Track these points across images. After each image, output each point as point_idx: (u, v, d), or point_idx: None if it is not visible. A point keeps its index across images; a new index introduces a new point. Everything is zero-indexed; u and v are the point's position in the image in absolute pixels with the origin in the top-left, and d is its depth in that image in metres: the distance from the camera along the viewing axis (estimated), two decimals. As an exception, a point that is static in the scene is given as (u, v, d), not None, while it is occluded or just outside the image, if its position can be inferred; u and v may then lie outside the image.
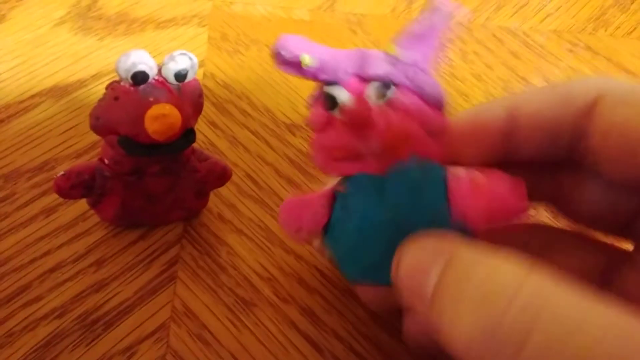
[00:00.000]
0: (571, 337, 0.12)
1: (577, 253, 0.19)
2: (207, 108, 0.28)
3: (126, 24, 0.31)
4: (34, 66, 0.29)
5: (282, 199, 0.25)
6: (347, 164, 0.17)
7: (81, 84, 0.28)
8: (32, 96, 0.28)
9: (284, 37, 0.17)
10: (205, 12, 0.33)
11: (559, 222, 0.21)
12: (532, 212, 0.24)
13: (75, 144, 0.26)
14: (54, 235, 0.23)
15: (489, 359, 0.13)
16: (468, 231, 0.16)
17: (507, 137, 0.18)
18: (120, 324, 0.21)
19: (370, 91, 0.17)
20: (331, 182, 0.19)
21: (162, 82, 0.20)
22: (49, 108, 0.27)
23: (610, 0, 0.36)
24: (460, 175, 0.17)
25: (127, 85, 0.19)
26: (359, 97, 0.17)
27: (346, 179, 0.18)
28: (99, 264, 0.23)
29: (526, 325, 0.12)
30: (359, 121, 0.17)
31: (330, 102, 0.17)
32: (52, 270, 0.22)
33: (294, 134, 0.27)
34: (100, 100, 0.20)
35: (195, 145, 0.22)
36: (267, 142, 0.27)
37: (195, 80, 0.21)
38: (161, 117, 0.19)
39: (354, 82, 0.17)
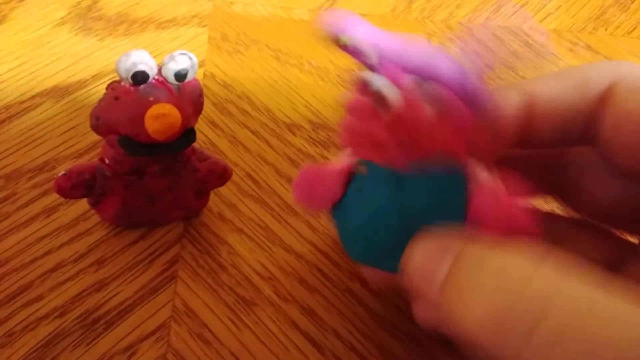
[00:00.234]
0: (581, 323, 0.12)
1: (585, 244, 0.19)
2: (208, 108, 0.28)
3: (127, 25, 0.31)
4: (35, 67, 0.29)
5: (282, 199, 0.25)
6: (373, 151, 0.17)
7: (82, 84, 0.28)
8: (33, 96, 0.28)
9: (334, 12, 0.16)
10: (206, 12, 0.33)
11: (568, 213, 0.21)
12: (542, 202, 0.24)
13: (76, 144, 0.26)
14: (55, 235, 0.23)
15: (499, 343, 0.13)
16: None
17: (524, 123, 0.18)
18: (120, 324, 0.21)
19: (422, 94, 0.16)
20: (348, 156, 0.19)
21: (162, 82, 0.20)
22: (49, 108, 0.27)
23: (610, 0, 0.36)
24: (483, 192, 0.16)
25: (127, 85, 0.19)
26: (414, 109, 0.16)
27: (368, 162, 0.18)
28: (99, 263, 0.23)
29: (537, 311, 0.12)
30: (410, 135, 0.16)
31: (381, 100, 0.16)
32: (52, 269, 0.22)
33: (294, 134, 0.27)
34: (101, 100, 0.20)
35: (195, 145, 0.22)
36: (267, 142, 0.27)
37: (195, 80, 0.21)
38: (161, 117, 0.19)
39: (393, 70, 0.16)
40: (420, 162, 0.17)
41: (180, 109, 0.19)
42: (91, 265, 0.23)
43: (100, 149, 0.23)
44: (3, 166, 0.25)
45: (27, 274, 0.22)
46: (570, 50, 0.33)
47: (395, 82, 0.17)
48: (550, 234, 0.20)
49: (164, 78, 0.20)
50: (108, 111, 0.20)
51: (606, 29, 0.34)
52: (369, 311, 0.22)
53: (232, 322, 0.22)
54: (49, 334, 0.21)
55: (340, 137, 0.18)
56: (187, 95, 0.20)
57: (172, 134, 0.20)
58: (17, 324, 0.21)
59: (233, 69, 0.30)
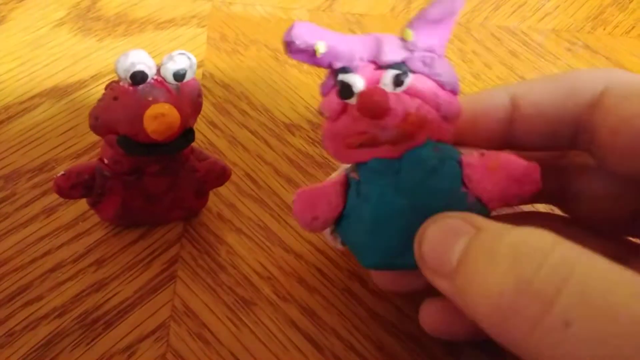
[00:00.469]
0: (601, 296, 0.12)
1: (587, 244, 0.19)
2: (207, 108, 0.28)
3: (125, 25, 0.31)
4: (34, 67, 0.29)
5: (281, 199, 0.25)
6: (362, 151, 0.17)
7: (81, 84, 0.28)
8: (32, 97, 0.28)
9: (297, 25, 0.17)
10: (205, 12, 0.33)
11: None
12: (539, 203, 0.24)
13: (75, 144, 0.26)
14: (54, 235, 0.23)
15: (517, 316, 0.13)
16: (484, 213, 0.17)
17: (509, 125, 0.18)
18: (120, 323, 0.21)
19: (387, 78, 0.17)
20: (341, 169, 0.19)
21: (161, 82, 0.20)
22: (49, 109, 0.27)
23: (609, -1, 0.36)
24: (474, 157, 0.17)
25: (126, 85, 0.20)
26: (376, 86, 0.17)
27: (359, 165, 0.18)
28: (99, 263, 0.23)
29: (557, 284, 0.12)
30: (376, 109, 0.16)
31: (346, 90, 0.17)
32: (52, 270, 0.22)
33: (293, 134, 0.27)
34: (100, 100, 0.20)
35: (194, 145, 0.22)
36: (266, 142, 0.27)
37: (194, 80, 0.21)
38: (160, 117, 0.19)
39: (369, 69, 0.17)
40: (413, 150, 0.17)
41: (179, 109, 0.20)
42: (91, 265, 0.23)
43: (99, 149, 0.23)
44: (3, 166, 0.25)
45: (27, 274, 0.22)
46: (569, 49, 0.33)
47: (372, 80, 0.17)
48: (553, 232, 0.20)
49: (162, 78, 0.20)
50: (107, 111, 0.20)
51: (604, 29, 0.34)
52: (369, 311, 0.22)
53: (232, 321, 0.22)
54: (49, 334, 0.21)
55: (325, 147, 0.18)
56: (185, 95, 0.20)
57: (170, 134, 0.20)
58: (17, 324, 0.21)
59: (232, 69, 0.30)
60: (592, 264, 0.13)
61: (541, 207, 0.25)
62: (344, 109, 0.17)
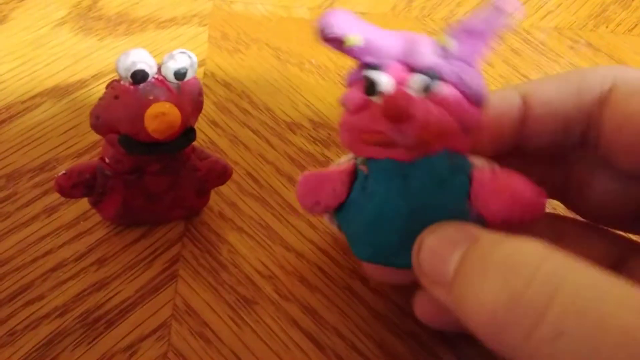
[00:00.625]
0: (590, 308, 0.12)
1: (588, 244, 0.19)
2: (208, 107, 0.28)
3: (127, 24, 0.31)
4: (35, 66, 0.29)
5: (282, 197, 0.25)
6: (377, 149, 0.17)
7: (82, 84, 0.28)
8: (34, 96, 0.28)
9: (332, 12, 0.16)
10: (206, 11, 0.33)
11: (570, 213, 0.21)
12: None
13: (76, 143, 0.26)
14: (56, 234, 0.23)
15: (510, 327, 0.13)
16: (484, 225, 0.17)
17: (521, 124, 0.18)
18: (121, 323, 0.21)
19: (415, 82, 0.17)
20: (350, 155, 0.19)
21: (162, 81, 0.20)
22: (50, 108, 0.27)
23: (611, -3, 0.36)
24: (485, 174, 0.17)
25: (127, 84, 0.19)
26: (402, 89, 0.16)
27: (370, 160, 0.18)
28: (100, 262, 0.23)
29: (548, 295, 0.12)
30: (398, 114, 0.16)
31: (371, 87, 0.17)
32: (53, 269, 0.22)
33: (294, 133, 0.27)
34: (101, 99, 0.20)
35: (195, 144, 0.22)
36: (267, 141, 0.27)
37: (194, 78, 0.21)
38: (161, 116, 0.19)
39: (398, 69, 0.17)
40: (426, 157, 0.17)
41: (180, 108, 0.19)
42: (92, 264, 0.23)
43: (100, 148, 0.23)
44: (4, 166, 0.25)
45: (28, 273, 0.22)
46: (571, 47, 0.33)
47: (400, 81, 0.17)
48: (551, 233, 0.20)
49: (163, 77, 0.20)
50: (108, 110, 0.20)
51: (607, 27, 0.34)
52: (370, 309, 0.22)
53: (233, 320, 0.22)
54: (50, 333, 0.21)
55: (340, 136, 0.18)
56: (186, 94, 0.20)
57: (171, 133, 0.20)
58: (19, 323, 0.21)
59: (233, 68, 0.30)
60: (583, 274, 0.13)
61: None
62: (366, 105, 0.17)
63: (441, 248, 0.15)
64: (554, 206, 0.24)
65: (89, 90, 0.28)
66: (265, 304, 0.22)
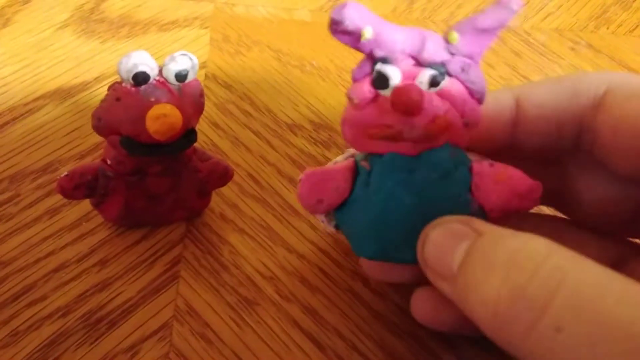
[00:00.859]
0: (591, 302, 0.12)
1: (584, 246, 0.19)
2: (209, 109, 0.28)
3: (129, 27, 0.31)
4: (38, 69, 0.29)
5: (284, 199, 0.25)
6: (381, 143, 0.17)
7: (84, 86, 0.29)
8: (36, 99, 0.28)
9: (349, 5, 0.16)
10: (207, 14, 0.33)
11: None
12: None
13: (79, 145, 0.26)
14: (58, 235, 0.23)
15: (512, 321, 0.13)
16: (485, 218, 0.17)
17: (513, 126, 0.18)
18: (123, 323, 0.21)
19: (424, 77, 0.17)
20: (347, 154, 0.19)
21: (163, 83, 0.20)
22: (52, 110, 0.27)
23: (612, -2, 0.36)
24: (484, 166, 0.17)
25: (128, 86, 0.20)
26: (413, 82, 0.17)
27: (373, 156, 0.18)
28: (102, 263, 0.23)
29: (550, 291, 0.13)
30: (411, 106, 0.16)
31: (381, 81, 0.17)
32: (56, 270, 0.22)
33: (295, 134, 0.28)
34: (103, 101, 0.20)
35: (197, 145, 0.22)
36: (268, 142, 0.27)
37: (195, 80, 0.21)
38: (162, 117, 0.19)
39: (408, 64, 0.17)
40: (430, 152, 0.17)
41: (181, 110, 0.20)
42: (94, 265, 0.23)
43: (102, 150, 0.23)
44: (7, 167, 0.25)
45: (31, 274, 0.22)
46: (572, 49, 0.33)
47: (410, 76, 0.17)
48: (550, 235, 0.20)
49: (164, 79, 0.20)
50: (110, 112, 0.20)
51: (608, 28, 0.34)
52: (371, 310, 0.22)
53: (234, 321, 0.22)
54: (53, 334, 0.21)
55: (344, 132, 0.18)
56: (187, 95, 0.20)
57: (173, 135, 0.20)
58: (21, 324, 0.21)
59: (234, 70, 0.30)
60: (584, 270, 0.13)
61: (545, 209, 0.25)
62: (375, 99, 0.17)
63: (446, 242, 0.16)
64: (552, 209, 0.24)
65: (91, 92, 0.28)
66: (267, 305, 0.22)
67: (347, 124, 0.18)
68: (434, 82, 0.17)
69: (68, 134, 0.27)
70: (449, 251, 0.15)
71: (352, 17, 0.16)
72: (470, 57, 0.17)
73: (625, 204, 0.18)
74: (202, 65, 0.30)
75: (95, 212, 0.23)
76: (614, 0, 0.36)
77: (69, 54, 0.30)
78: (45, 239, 0.23)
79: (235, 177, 0.25)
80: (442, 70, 0.17)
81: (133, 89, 0.20)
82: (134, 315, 0.22)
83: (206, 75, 0.30)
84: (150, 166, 0.21)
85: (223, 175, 0.23)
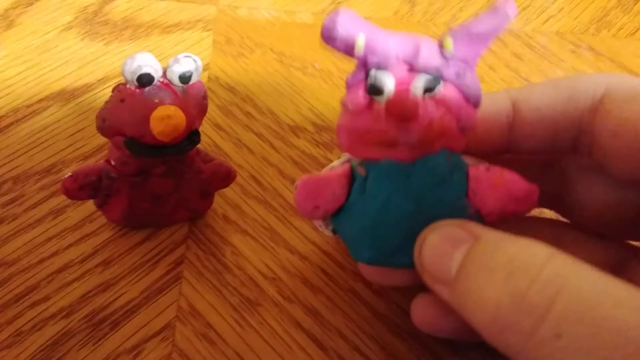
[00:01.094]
0: (590, 307, 0.12)
1: (585, 248, 0.19)
2: (212, 111, 0.28)
3: (132, 29, 0.32)
4: (42, 71, 0.29)
5: (286, 200, 0.25)
6: (377, 149, 0.17)
7: (88, 88, 0.29)
8: (40, 100, 0.28)
9: (342, 14, 0.16)
10: (210, 16, 0.33)
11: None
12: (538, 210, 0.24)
13: (83, 146, 0.26)
14: (62, 236, 0.23)
15: (512, 327, 0.13)
16: (482, 222, 0.17)
17: (510, 128, 0.18)
18: (126, 323, 0.21)
19: (419, 83, 0.17)
20: (343, 159, 0.19)
21: (167, 84, 0.20)
22: (56, 112, 0.28)
23: (613, 2, 0.36)
24: (481, 170, 0.17)
25: (132, 88, 0.20)
26: (407, 89, 0.17)
27: (369, 162, 0.18)
28: (105, 264, 0.23)
29: (549, 297, 0.13)
30: (406, 113, 0.16)
31: (375, 88, 0.17)
32: (59, 270, 0.23)
33: (297, 136, 0.28)
34: (107, 102, 0.20)
35: (200, 146, 0.22)
36: (271, 144, 0.27)
37: (199, 82, 0.21)
38: (166, 119, 0.19)
39: (401, 70, 0.17)
40: (426, 157, 0.17)
41: (185, 111, 0.20)
42: (97, 266, 0.23)
43: (106, 151, 0.23)
44: (11, 168, 0.25)
45: (35, 274, 0.22)
46: (573, 52, 0.33)
47: (405, 83, 0.17)
48: (550, 238, 0.20)
49: (168, 80, 0.20)
50: (114, 113, 0.20)
51: (609, 31, 0.34)
52: (373, 311, 0.22)
53: (237, 322, 0.22)
54: (56, 334, 0.21)
55: (339, 138, 0.18)
56: (191, 97, 0.20)
57: (176, 136, 0.20)
58: (25, 324, 0.21)
59: (237, 72, 0.30)
60: (583, 276, 0.13)
61: (546, 212, 0.25)
62: (369, 105, 0.17)
63: (443, 246, 0.16)
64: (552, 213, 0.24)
65: (95, 94, 0.29)
66: (269, 306, 0.22)
67: (343, 130, 0.18)
68: (428, 88, 0.17)
69: (72, 135, 0.27)
70: (447, 256, 0.15)
71: (345, 26, 0.16)
72: (465, 62, 0.17)
73: (625, 207, 0.19)
74: (205, 68, 0.30)
75: (99, 212, 0.24)
76: (615, 4, 0.36)
77: (73, 55, 0.30)
78: (49, 239, 0.23)
79: (238, 179, 0.25)
80: (437, 75, 0.17)
81: (137, 90, 0.20)
82: (137, 316, 0.22)
83: (209, 78, 0.30)
84: (153, 167, 0.21)
85: (226, 177, 0.23)
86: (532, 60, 0.32)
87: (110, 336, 0.21)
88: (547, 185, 0.20)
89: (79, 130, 0.27)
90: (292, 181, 0.26)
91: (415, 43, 0.17)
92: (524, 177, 0.17)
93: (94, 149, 0.26)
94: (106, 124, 0.20)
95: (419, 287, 0.19)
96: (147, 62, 0.19)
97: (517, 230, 0.19)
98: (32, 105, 0.28)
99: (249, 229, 0.24)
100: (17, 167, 0.25)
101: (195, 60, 0.20)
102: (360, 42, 0.16)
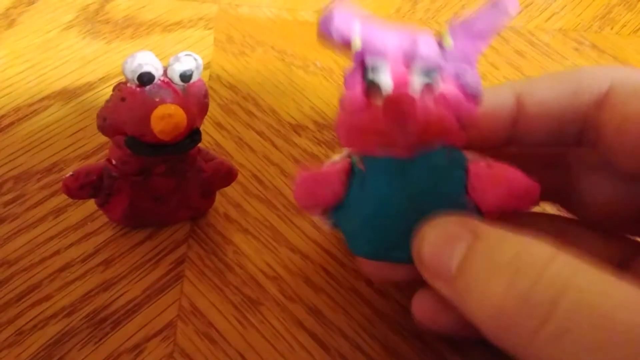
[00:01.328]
0: (595, 306, 0.12)
1: (589, 244, 0.19)
2: (213, 109, 0.28)
3: (133, 28, 0.32)
4: (43, 70, 0.29)
5: (287, 199, 0.25)
6: (376, 147, 0.17)
7: (89, 86, 0.29)
8: (42, 99, 0.28)
9: (336, 14, 0.16)
10: (211, 14, 0.33)
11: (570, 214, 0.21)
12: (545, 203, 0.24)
13: (84, 145, 0.26)
14: (63, 235, 0.23)
15: (516, 326, 0.13)
16: (481, 217, 0.17)
17: (513, 123, 0.18)
18: (128, 323, 0.21)
19: (417, 82, 0.17)
20: (344, 153, 0.19)
21: (168, 83, 0.20)
22: (57, 111, 0.28)
23: (616, -1, 0.36)
24: (481, 166, 0.17)
25: (133, 86, 0.20)
26: (405, 90, 0.17)
27: (369, 158, 0.18)
28: (107, 263, 0.23)
29: (553, 297, 0.13)
30: (402, 116, 0.16)
31: (373, 89, 0.17)
32: (61, 269, 0.23)
33: (299, 135, 0.28)
34: (107, 101, 0.20)
35: (201, 145, 0.22)
36: (272, 143, 0.27)
37: (200, 80, 0.21)
38: (167, 117, 0.19)
39: (398, 68, 0.17)
40: (424, 153, 0.17)
41: (186, 110, 0.20)
42: (99, 265, 0.23)
43: (107, 150, 0.23)
44: (12, 167, 0.25)
45: (36, 273, 0.22)
46: (576, 49, 0.33)
47: (401, 81, 0.17)
48: (555, 234, 0.20)
49: (169, 79, 0.20)
50: (114, 112, 0.20)
51: (612, 28, 0.34)
52: (375, 310, 0.22)
53: (238, 321, 0.22)
54: (58, 333, 0.21)
55: (340, 136, 0.18)
56: (192, 96, 0.20)
57: (177, 135, 0.20)
58: (26, 323, 0.21)
59: (239, 71, 0.30)
60: (587, 275, 0.13)
61: (547, 207, 0.25)
62: (367, 103, 0.17)
63: (443, 242, 0.15)
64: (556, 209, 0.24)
65: (96, 92, 0.28)
66: (270, 305, 0.22)
67: (341, 127, 0.18)
68: (427, 87, 0.17)
69: (73, 134, 0.27)
70: (446, 252, 0.15)
71: (341, 22, 0.16)
72: (465, 60, 0.17)
73: (630, 201, 0.18)
74: (206, 66, 0.30)
75: (100, 212, 0.24)
76: (618, 1, 0.36)
77: (74, 54, 0.30)
78: (51, 238, 0.23)
79: (239, 177, 0.25)
80: (436, 74, 0.17)
81: (138, 89, 0.20)
82: (139, 315, 0.22)
83: (210, 76, 0.30)
84: (154, 166, 0.21)
85: (227, 176, 0.23)
86: (534, 57, 0.32)
87: (111, 335, 0.21)
88: (551, 178, 0.19)
89: (80, 130, 0.27)
90: (294, 180, 0.26)
91: (414, 39, 0.17)
92: (526, 173, 0.17)
93: (95, 148, 0.26)
94: (107, 123, 0.20)
95: (420, 284, 0.19)
96: (148, 61, 0.19)
97: (520, 226, 0.19)
98: (33, 104, 0.28)
99: (250, 228, 0.24)
100: (18, 166, 0.25)
101: (196, 59, 0.20)
102: (357, 40, 0.16)
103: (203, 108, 0.21)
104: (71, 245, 0.23)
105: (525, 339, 0.13)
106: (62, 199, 0.24)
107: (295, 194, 0.18)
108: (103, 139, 0.25)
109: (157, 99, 0.19)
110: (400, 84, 0.17)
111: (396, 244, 0.17)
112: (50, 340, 0.21)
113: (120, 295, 0.22)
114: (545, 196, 0.20)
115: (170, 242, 0.24)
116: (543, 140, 0.18)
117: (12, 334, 0.21)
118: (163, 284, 0.22)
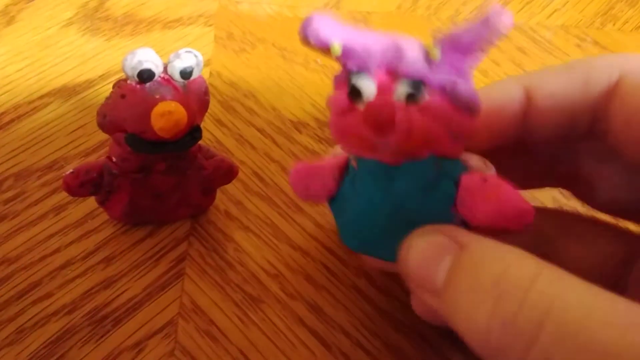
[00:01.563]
0: (580, 325, 0.12)
1: (595, 239, 0.19)
2: (214, 106, 0.28)
3: (133, 25, 0.31)
4: (43, 67, 0.29)
5: (288, 196, 0.25)
6: (361, 149, 0.17)
7: (89, 84, 0.29)
8: (41, 96, 0.28)
9: (315, 20, 0.16)
10: (212, 11, 0.33)
11: (574, 208, 0.21)
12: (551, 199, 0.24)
13: (84, 143, 0.26)
14: (64, 233, 0.23)
15: (505, 349, 0.13)
16: (469, 227, 0.16)
17: (523, 118, 0.18)
18: (129, 320, 0.21)
19: (400, 92, 0.16)
20: (342, 151, 0.19)
21: (168, 80, 0.20)
22: (57, 108, 0.27)
23: (618, -5, 0.36)
24: (475, 181, 0.16)
25: (133, 83, 0.20)
26: (385, 99, 0.16)
27: (359, 157, 0.18)
28: (107, 261, 0.23)
29: (540, 316, 0.13)
30: (381, 124, 0.16)
31: (355, 93, 0.16)
32: (61, 267, 0.22)
33: (300, 132, 0.27)
34: (107, 98, 0.20)
35: (201, 143, 0.22)
36: (273, 140, 0.27)
37: (200, 77, 0.21)
38: (167, 114, 0.19)
39: (383, 76, 0.16)
40: (413, 161, 0.17)
41: (186, 107, 0.20)
42: (99, 262, 0.23)
43: (107, 147, 0.23)
44: (12, 165, 0.25)
45: (37, 271, 0.22)
46: (578, 46, 0.33)
47: (384, 89, 0.16)
48: (562, 229, 0.20)
49: (169, 76, 0.20)
50: (115, 109, 0.20)
51: (614, 25, 0.34)
52: (376, 307, 0.22)
53: (239, 318, 0.22)
54: (59, 331, 0.21)
55: (331, 133, 0.18)
56: (192, 92, 0.20)
57: (178, 132, 0.20)
58: (27, 321, 0.21)
59: (239, 68, 0.30)
60: (571, 293, 0.13)
61: (549, 202, 0.25)
62: (351, 109, 0.17)
63: (429, 255, 0.15)
64: (562, 204, 0.24)
65: (96, 90, 0.28)
66: (272, 302, 0.22)
67: (331, 127, 0.18)
68: (410, 95, 0.16)
69: (73, 131, 0.27)
70: (432, 264, 0.15)
71: (317, 34, 0.16)
72: (457, 72, 0.16)
73: (638, 192, 0.18)
74: (207, 63, 0.30)
75: (101, 209, 0.23)
76: (620, -3, 0.36)
77: (74, 51, 0.30)
78: (51, 236, 0.23)
79: (240, 175, 0.25)
80: (420, 82, 0.16)
81: (138, 86, 0.20)
82: (140, 313, 0.22)
83: (210, 73, 0.30)
84: (155, 164, 0.21)
85: (228, 173, 0.23)
86: (536, 54, 0.32)
87: (112, 333, 0.21)
88: (562, 165, 0.19)
89: (80, 127, 0.27)
90: (289, 170, 0.26)
91: (400, 47, 0.16)
92: (520, 194, 0.16)
93: (96, 146, 0.26)
94: (107, 120, 0.20)
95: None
96: (148, 58, 0.19)
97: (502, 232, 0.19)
98: (33, 101, 0.28)
99: (251, 225, 0.24)
100: (18, 163, 0.25)
101: (196, 56, 0.20)
102: (336, 48, 0.16)
103: (203, 105, 0.21)
104: (72, 242, 0.23)
105: None
106: (63, 196, 0.24)
107: (289, 181, 0.19)
108: (103, 136, 0.25)
109: (157, 96, 0.19)
110: (384, 91, 0.16)
111: (380, 244, 0.17)
112: (51, 338, 0.21)
113: (121, 293, 0.22)
114: (556, 181, 0.20)
115: (171, 240, 0.24)
116: (554, 133, 0.18)
117: (12, 332, 0.21)
118: (164, 281, 0.22)
